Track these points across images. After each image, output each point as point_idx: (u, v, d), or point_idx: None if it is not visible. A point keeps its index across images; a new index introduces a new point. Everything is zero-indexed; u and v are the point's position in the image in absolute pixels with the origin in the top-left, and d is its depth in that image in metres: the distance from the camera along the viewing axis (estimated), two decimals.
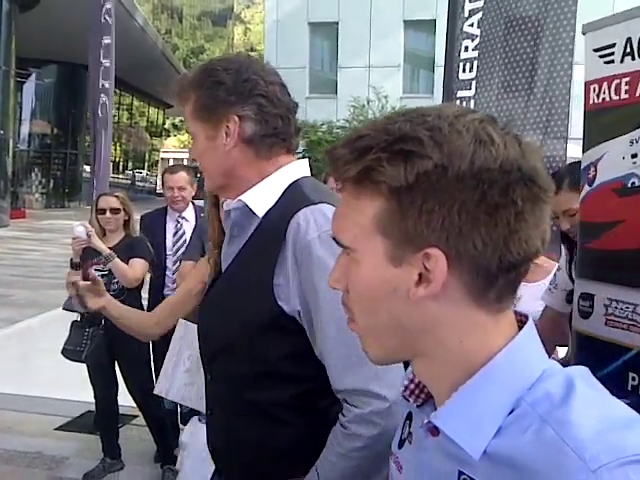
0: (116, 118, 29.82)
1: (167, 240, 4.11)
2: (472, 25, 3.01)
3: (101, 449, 3.95)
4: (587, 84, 1.85)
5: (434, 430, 0.75)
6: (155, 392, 2.27)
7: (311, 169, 1.53)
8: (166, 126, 45.25)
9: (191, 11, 44.97)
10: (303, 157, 1.72)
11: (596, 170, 1.80)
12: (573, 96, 2.87)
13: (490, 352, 0.73)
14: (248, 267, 1.42)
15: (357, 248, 0.75)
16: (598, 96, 1.80)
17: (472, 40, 3.00)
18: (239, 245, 1.47)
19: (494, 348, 0.73)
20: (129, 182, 33.45)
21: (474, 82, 2.96)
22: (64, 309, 3.71)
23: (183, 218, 4.12)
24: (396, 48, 22.54)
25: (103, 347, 3.65)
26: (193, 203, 4.17)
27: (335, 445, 1.29)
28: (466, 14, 3.06)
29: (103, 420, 4.03)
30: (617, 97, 1.74)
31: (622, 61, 1.72)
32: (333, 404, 1.34)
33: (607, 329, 1.75)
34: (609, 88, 1.76)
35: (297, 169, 1.47)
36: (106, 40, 5.55)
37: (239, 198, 1.44)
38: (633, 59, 1.69)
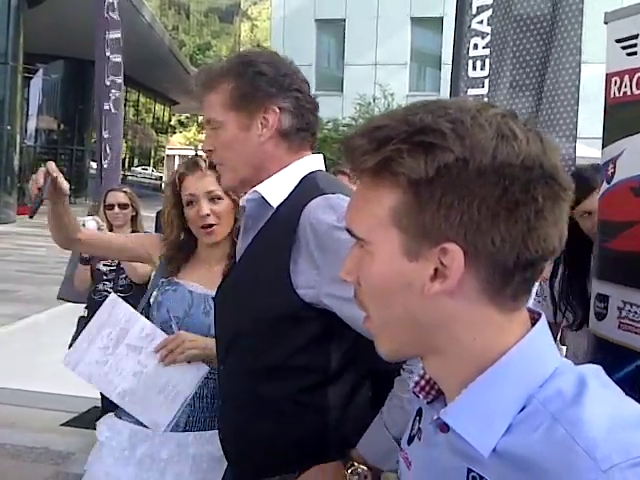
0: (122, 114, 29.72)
1: None
2: (481, 22, 2.99)
3: None
4: (608, 76, 1.77)
5: (444, 427, 0.75)
6: (63, 363, 2.03)
7: None
8: (172, 123, 45.22)
9: (198, 7, 44.92)
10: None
11: (615, 167, 1.73)
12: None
13: (503, 350, 0.72)
14: (260, 258, 1.42)
15: (372, 240, 0.73)
16: (619, 89, 1.73)
17: (482, 38, 2.97)
18: (252, 237, 1.46)
19: (507, 346, 0.72)
20: (135, 178, 33.45)
21: (487, 80, 2.94)
22: (59, 298, 3.67)
23: None
24: (403, 46, 22.44)
25: None
26: None
27: (398, 395, 1.27)
28: (474, 11, 3.03)
29: None
30: (639, 91, 1.67)
31: None
32: (342, 397, 1.34)
33: (620, 332, 1.70)
34: (631, 81, 1.69)
35: (313, 162, 1.48)
36: (112, 35, 5.55)
37: (255, 189, 1.43)
38: None
